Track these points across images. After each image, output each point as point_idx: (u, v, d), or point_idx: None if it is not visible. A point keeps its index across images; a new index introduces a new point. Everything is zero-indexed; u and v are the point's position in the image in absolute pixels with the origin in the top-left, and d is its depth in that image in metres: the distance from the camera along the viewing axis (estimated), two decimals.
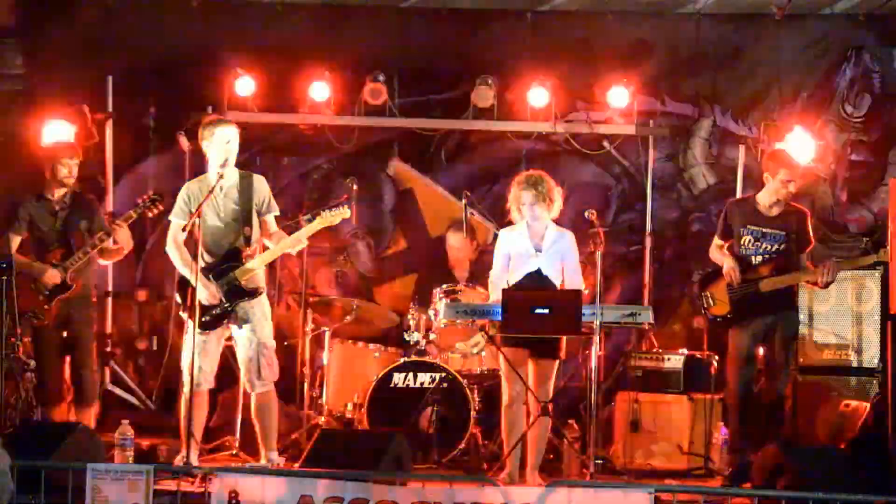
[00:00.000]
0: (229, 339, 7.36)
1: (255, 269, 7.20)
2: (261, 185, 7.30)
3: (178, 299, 7.29)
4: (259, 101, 9.20)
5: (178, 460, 6.99)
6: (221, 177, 7.14)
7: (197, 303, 6.97)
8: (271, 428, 7.29)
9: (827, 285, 7.56)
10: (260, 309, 7.26)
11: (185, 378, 7.08)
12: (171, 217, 7.32)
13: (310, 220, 7.33)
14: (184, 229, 7.13)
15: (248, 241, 7.24)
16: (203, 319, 7.09)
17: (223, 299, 7.15)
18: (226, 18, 9.58)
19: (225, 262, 7.19)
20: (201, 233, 6.97)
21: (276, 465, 7.13)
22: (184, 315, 7.22)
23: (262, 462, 7.19)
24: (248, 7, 9.60)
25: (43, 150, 8.39)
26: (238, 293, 7.18)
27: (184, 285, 7.19)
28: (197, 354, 7.02)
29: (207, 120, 7.40)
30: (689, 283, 9.26)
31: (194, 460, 6.92)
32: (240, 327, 7.22)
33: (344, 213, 7.30)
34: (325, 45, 9.48)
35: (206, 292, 7.06)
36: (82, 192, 8.01)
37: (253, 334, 7.20)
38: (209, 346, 7.18)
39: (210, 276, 7.12)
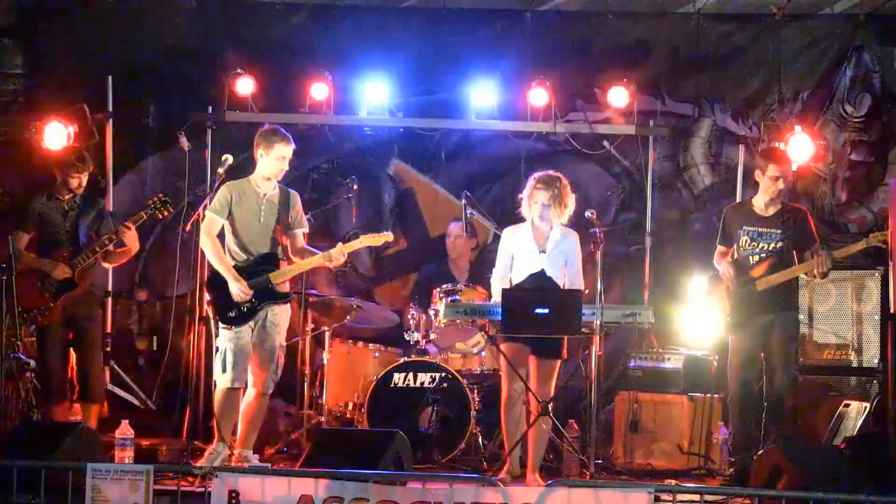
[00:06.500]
0: None
1: (288, 275, 7.37)
2: (296, 201, 7.52)
3: (208, 297, 7.39)
4: (259, 101, 9.19)
5: (220, 461, 7.08)
6: (268, 179, 7.38)
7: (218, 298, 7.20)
8: (257, 427, 7.40)
9: (825, 275, 7.50)
10: (286, 315, 7.44)
11: (218, 377, 7.20)
12: (207, 211, 7.39)
13: (349, 240, 7.52)
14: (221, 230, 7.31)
15: (282, 249, 7.42)
16: (230, 315, 7.22)
17: (254, 298, 7.25)
18: (226, 18, 9.58)
19: (261, 265, 7.32)
20: (238, 232, 7.27)
21: (252, 464, 7.17)
22: (208, 309, 7.35)
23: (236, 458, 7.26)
24: (248, 7, 9.59)
25: (54, 155, 8.39)
26: (269, 295, 7.31)
27: (214, 283, 7.30)
28: (231, 351, 7.18)
29: (269, 129, 7.48)
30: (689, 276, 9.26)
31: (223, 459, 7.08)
32: (268, 329, 7.32)
33: (387, 236, 7.51)
34: (325, 45, 9.48)
35: (237, 288, 7.18)
36: (91, 193, 8.03)
37: (278, 337, 7.37)
38: (242, 343, 7.25)
39: (243, 275, 7.25)
